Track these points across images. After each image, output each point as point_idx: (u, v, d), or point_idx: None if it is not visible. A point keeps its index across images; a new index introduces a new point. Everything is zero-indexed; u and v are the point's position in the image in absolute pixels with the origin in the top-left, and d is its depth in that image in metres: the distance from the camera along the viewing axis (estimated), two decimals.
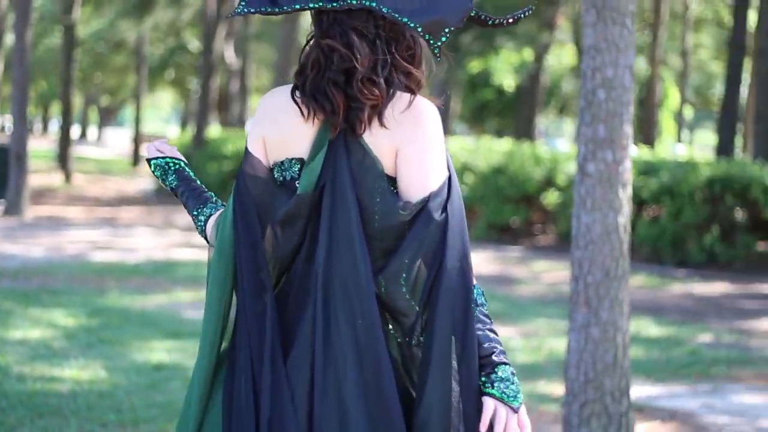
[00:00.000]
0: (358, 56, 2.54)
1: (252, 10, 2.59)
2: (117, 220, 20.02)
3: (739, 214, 15.56)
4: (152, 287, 11.51)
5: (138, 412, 6.41)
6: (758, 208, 15.46)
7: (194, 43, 37.15)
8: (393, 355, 2.59)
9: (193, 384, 2.68)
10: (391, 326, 2.60)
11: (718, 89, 38.69)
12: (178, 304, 10.57)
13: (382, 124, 2.56)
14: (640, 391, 7.52)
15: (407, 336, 2.59)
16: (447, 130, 28.64)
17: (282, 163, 2.65)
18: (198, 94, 30.65)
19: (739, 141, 25.67)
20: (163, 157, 2.98)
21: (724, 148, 20.34)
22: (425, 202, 2.55)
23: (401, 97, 2.58)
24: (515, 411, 2.58)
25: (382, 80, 2.56)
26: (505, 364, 2.61)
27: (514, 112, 35.42)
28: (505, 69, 35.88)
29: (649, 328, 10.16)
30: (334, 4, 2.54)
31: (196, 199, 2.88)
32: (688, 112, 44.12)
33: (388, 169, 2.59)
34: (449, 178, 2.60)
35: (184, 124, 49.36)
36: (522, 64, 34.82)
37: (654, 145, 25.92)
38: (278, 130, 2.64)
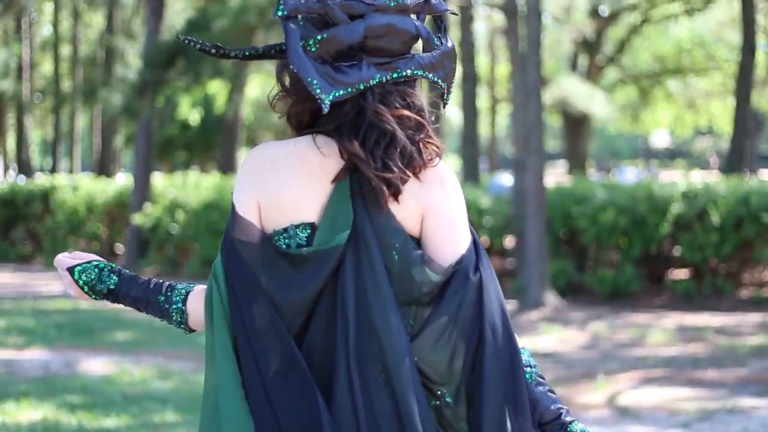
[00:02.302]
0: (430, 122, 2.45)
1: (332, 96, 2.28)
2: None
3: None
4: None
5: None
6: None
7: None
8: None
9: None
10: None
11: None
12: None
13: (418, 178, 2.38)
14: None
15: (436, 399, 2.38)
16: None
17: (285, 230, 2.35)
18: None
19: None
20: (87, 261, 2.60)
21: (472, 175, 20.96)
22: (459, 264, 2.37)
23: None
24: None
25: (437, 140, 2.44)
26: (574, 420, 2.52)
27: (200, 146, 34.91)
28: (187, 103, 35.21)
29: None
30: (394, 75, 2.37)
31: (157, 287, 2.54)
32: None
33: (409, 228, 2.39)
34: (474, 240, 2.42)
35: None
36: (209, 98, 34.38)
37: None
38: (280, 192, 2.36)
